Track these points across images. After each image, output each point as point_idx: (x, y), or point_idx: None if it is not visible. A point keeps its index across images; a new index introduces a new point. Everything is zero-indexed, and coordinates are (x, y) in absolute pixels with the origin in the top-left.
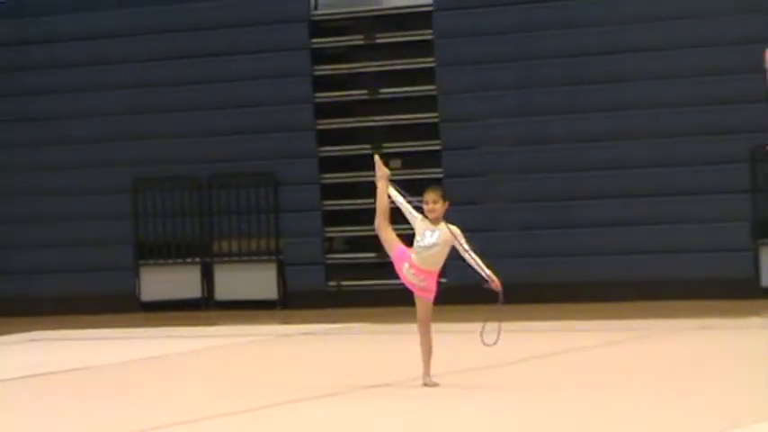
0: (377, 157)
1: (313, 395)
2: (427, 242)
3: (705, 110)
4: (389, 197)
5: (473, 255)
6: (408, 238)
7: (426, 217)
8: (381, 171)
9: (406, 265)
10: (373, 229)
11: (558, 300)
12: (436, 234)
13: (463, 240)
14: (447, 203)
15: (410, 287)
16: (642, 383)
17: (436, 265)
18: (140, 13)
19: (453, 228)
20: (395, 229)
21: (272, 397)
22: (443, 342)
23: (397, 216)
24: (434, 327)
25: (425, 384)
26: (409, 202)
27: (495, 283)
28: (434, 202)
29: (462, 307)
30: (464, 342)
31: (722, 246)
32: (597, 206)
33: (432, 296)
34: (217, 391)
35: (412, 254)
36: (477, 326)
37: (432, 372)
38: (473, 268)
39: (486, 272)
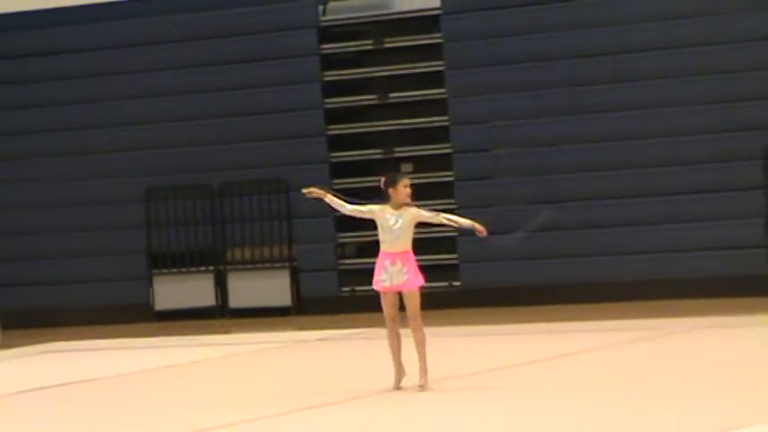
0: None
1: (330, 401)
2: (400, 225)
3: (718, 108)
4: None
5: (445, 215)
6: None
7: (384, 204)
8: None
9: (386, 268)
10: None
11: (570, 300)
12: (402, 217)
13: (425, 211)
14: None
15: (398, 289)
16: (655, 383)
17: (407, 244)
18: (151, 23)
19: (412, 207)
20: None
21: (289, 404)
22: (457, 344)
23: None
24: (446, 330)
25: (421, 387)
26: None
27: (478, 228)
28: (411, 187)
29: (474, 310)
30: (476, 344)
31: (737, 243)
32: (609, 206)
33: (419, 282)
34: (233, 399)
35: (383, 252)
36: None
37: (441, 374)
38: (453, 227)
39: (465, 222)
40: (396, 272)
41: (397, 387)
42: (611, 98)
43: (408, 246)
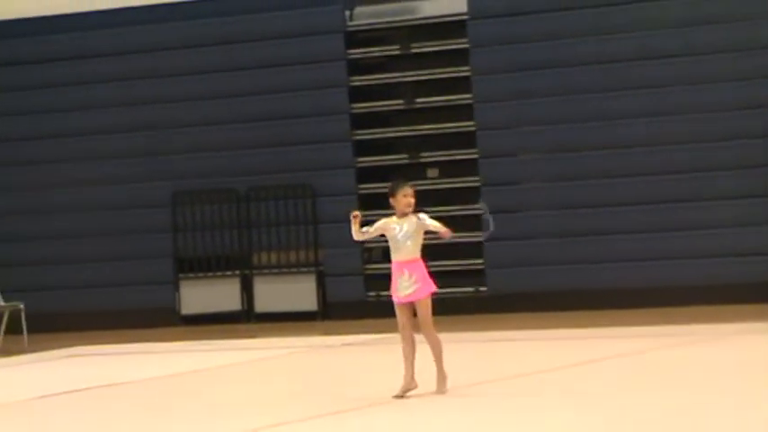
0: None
1: (357, 406)
2: (404, 233)
3: (741, 114)
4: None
5: (429, 222)
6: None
7: (391, 215)
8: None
9: (399, 281)
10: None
11: (596, 306)
12: (406, 225)
13: (427, 219)
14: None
15: (410, 300)
16: (685, 390)
17: (416, 252)
18: (176, 28)
19: (413, 216)
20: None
21: (313, 409)
22: (482, 350)
23: None
24: (472, 336)
25: (440, 392)
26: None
27: (441, 232)
28: (413, 197)
29: (501, 316)
30: (501, 350)
31: (764, 249)
32: (634, 212)
33: (429, 290)
34: (256, 404)
35: (393, 263)
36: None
37: (465, 380)
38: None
39: (439, 227)
40: (404, 283)
41: (400, 396)
42: (636, 104)
43: (416, 254)
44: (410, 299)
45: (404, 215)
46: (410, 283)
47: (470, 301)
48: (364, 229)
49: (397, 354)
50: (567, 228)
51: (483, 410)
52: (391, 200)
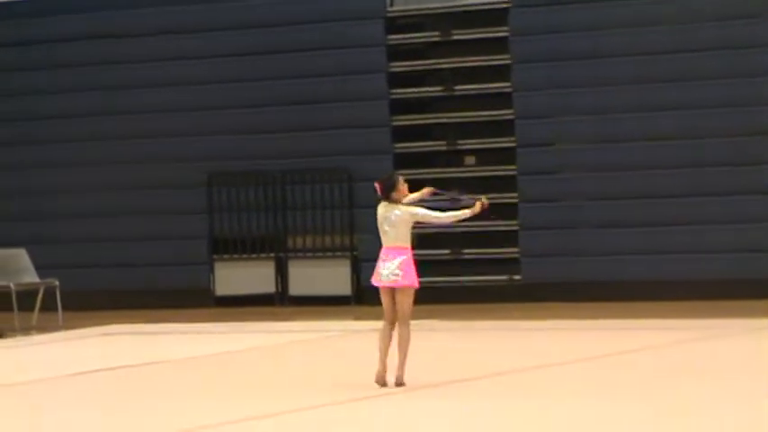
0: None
1: (387, 392)
2: (392, 220)
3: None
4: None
5: (440, 215)
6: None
7: (387, 202)
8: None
9: (381, 267)
10: (445, 226)
11: (634, 297)
12: (396, 212)
13: (418, 210)
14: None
15: (391, 286)
16: (712, 383)
17: (403, 240)
18: (215, 9)
19: (404, 206)
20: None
21: (345, 393)
22: (514, 339)
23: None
24: (506, 324)
25: (398, 383)
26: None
27: (481, 204)
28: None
29: (535, 305)
30: (533, 340)
31: None
32: (672, 204)
33: (413, 282)
34: (288, 387)
35: (381, 253)
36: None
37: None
38: (453, 217)
39: (462, 212)
40: (388, 268)
41: (381, 382)
42: (674, 96)
43: (405, 243)
44: (396, 284)
45: (396, 203)
46: (394, 270)
47: (505, 289)
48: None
49: (427, 341)
50: (602, 218)
51: (510, 398)
52: (393, 194)
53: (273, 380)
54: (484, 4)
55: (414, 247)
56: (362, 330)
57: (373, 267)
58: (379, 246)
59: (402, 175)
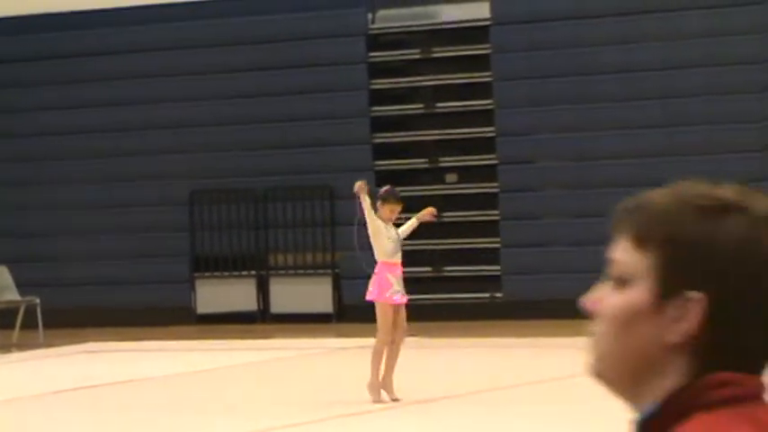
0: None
1: (370, 409)
2: (395, 236)
3: (765, 126)
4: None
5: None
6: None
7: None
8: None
9: (397, 283)
10: (427, 243)
11: None
12: (394, 229)
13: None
14: None
15: (404, 301)
16: None
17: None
18: (200, 26)
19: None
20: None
21: (327, 411)
22: (494, 357)
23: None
24: (486, 342)
25: (393, 399)
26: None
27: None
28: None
29: (516, 323)
30: (514, 357)
31: None
32: None
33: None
34: (271, 405)
35: (391, 264)
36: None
37: (487, 385)
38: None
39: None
40: (399, 287)
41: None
42: (657, 113)
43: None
44: (404, 299)
45: (390, 221)
46: (402, 286)
47: (486, 307)
48: (369, 217)
49: (411, 359)
50: (584, 235)
51: (493, 417)
52: (379, 203)
53: (256, 397)
54: (465, 21)
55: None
56: (345, 348)
57: (354, 285)
58: (360, 264)
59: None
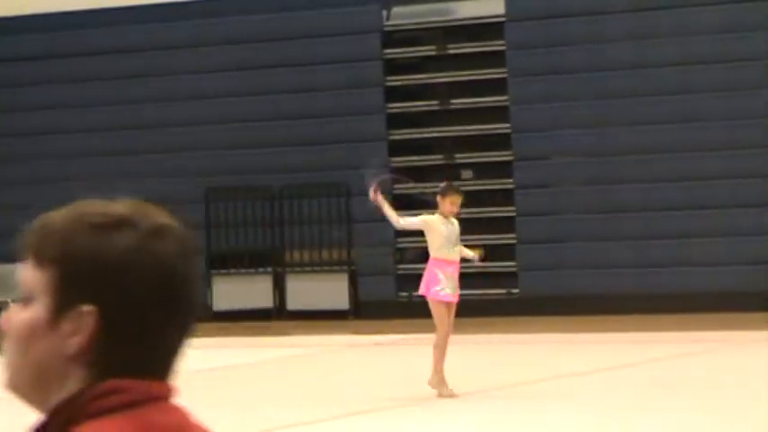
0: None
1: (386, 406)
2: (455, 235)
3: None
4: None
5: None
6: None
7: (433, 213)
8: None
9: (450, 280)
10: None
11: (629, 311)
12: (452, 226)
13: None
14: None
15: (454, 299)
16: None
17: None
18: (215, 24)
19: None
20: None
21: (343, 407)
22: (512, 353)
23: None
24: (503, 338)
25: (450, 395)
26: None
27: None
28: (458, 207)
29: (532, 319)
30: (530, 353)
31: None
32: (668, 217)
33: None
34: (287, 402)
35: (443, 260)
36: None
37: (504, 382)
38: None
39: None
40: (454, 282)
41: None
42: (671, 109)
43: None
44: (456, 297)
45: (446, 217)
46: (455, 283)
47: (502, 303)
48: (403, 221)
49: (426, 355)
50: (600, 232)
51: (509, 415)
52: (439, 198)
53: (273, 394)
54: (480, 18)
55: (412, 261)
56: (361, 344)
57: (371, 282)
58: (377, 261)
59: (461, 194)
